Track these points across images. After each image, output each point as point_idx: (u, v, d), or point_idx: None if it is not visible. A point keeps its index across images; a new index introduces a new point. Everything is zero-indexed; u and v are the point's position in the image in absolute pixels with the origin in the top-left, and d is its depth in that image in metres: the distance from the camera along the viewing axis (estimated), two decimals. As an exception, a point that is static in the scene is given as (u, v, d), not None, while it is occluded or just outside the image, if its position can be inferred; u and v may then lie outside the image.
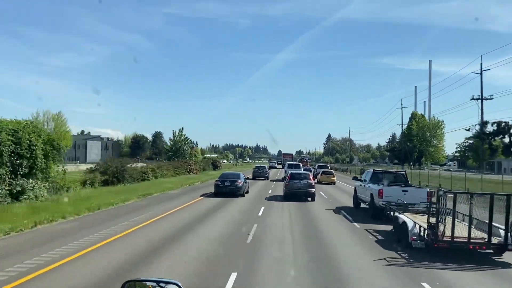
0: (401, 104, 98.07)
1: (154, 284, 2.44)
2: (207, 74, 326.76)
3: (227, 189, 24.26)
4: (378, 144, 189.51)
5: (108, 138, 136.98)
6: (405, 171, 21.85)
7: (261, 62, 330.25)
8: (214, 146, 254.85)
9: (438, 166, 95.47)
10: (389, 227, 14.03)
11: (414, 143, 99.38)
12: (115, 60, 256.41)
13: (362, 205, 20.19)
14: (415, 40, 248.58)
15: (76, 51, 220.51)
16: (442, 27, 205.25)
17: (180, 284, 2.33)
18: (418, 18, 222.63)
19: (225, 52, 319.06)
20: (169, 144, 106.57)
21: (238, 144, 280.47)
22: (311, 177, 25.30)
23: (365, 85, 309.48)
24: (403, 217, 12.16)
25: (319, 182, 38.96)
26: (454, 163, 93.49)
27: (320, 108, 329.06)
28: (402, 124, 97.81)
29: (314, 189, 24.18)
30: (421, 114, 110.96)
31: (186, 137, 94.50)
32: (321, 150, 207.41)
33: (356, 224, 15.69)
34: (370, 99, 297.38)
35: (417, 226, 11.25)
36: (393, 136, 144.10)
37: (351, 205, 21.64)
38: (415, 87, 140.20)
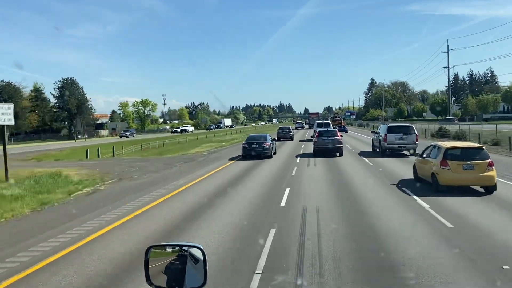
0: None
1: (177, 248, 2.48)
2: (227, 36, 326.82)
3: (254, 152, 24.98)
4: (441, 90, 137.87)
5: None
6: None
7: (283, 19, 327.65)
8: (234, 107, 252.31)
9: None
10: None
11: None
12: (132, 26, 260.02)
13: None
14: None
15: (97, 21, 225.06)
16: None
17: (201, 247, 2.41)
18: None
19: (245, 11, 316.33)
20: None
21: (259, 104, 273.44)
22: (338, 134, 26.48)
23: (392, 34, 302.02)
24: None
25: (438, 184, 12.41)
26: None
27: (347, 63, 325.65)
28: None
29: (341, 145, 25.46)
30: None
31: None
32: (358, 104, 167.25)
33: None
34: (402, 48, 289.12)
35: None
36: None
37: None
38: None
